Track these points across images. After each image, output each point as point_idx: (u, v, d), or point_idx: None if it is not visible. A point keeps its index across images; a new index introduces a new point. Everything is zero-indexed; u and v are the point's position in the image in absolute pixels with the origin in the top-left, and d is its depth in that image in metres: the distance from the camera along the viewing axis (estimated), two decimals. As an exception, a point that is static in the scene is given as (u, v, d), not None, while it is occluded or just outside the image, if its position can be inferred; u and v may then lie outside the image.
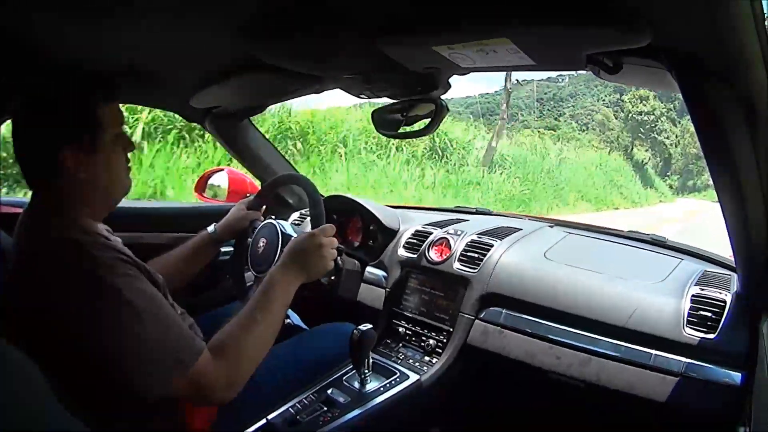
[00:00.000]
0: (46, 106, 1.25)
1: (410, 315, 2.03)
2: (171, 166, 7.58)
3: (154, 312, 1.17)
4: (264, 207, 1.99)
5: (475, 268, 1.92)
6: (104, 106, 1.30)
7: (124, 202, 1.43)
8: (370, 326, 1.62)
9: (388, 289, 2.13)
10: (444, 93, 1.63)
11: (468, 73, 1.42)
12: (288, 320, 2.19)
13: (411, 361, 1.89)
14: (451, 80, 1.58)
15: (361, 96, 1.73)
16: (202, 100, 1.94)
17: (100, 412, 1.17)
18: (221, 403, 1.29)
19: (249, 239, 1.86)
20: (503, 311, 1.80)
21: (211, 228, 1.87)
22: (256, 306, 1.38)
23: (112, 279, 1.13)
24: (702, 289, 1.59)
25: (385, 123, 1.80)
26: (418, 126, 1.72)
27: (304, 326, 2.23)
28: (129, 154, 1.39)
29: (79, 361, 1.14)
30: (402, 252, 2.18)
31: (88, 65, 1.44)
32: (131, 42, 1.37)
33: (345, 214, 2.40)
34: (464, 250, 2.00)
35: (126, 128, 1.36)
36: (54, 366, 1.05)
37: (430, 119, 1.66)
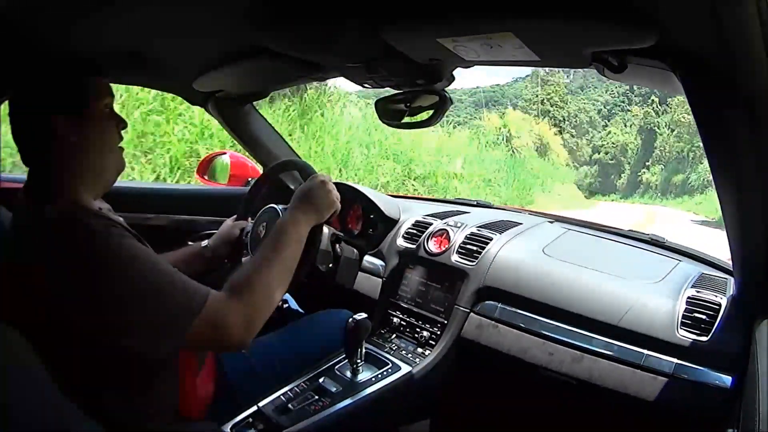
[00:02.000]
0: (38, 77, 1.27)
1: (406, 306, 2.02)
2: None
3: (155, 268, 1.17)
4: (248, 219, 1.97)
5: (473, 261, 1.92)
6: (94, 76, 1.32)
7: (127, 183, 1.43)
8: (364, 316, 1.62)
9: (385, 279, 2.13)
10: (448, 85, 1.63)
11: (472, 66, 1.42)
12: (286, 305, 2.20)
13: (404, 352, 1.88)
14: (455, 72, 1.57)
15: (365, 85, 1.72)
16: (204, 83, 1.95)
17: (99, 391, 1.18)
18: (240, 345, 1.26)
19: (244, 238, 1.84)
20: (498, 305, 1.80)
21: (204, 243, 1.85)
22: (270, 247, 1.38)
23: (109, 243, 1.13)
24: (698, 292, 1.59)
25: (389, 113, 1.79)
26: (421, 117, 1.72)
27: (301, 310, 2.24)
28: (122, 133, 1.40)
29: (83, 335, 1.14)
30: (401, 242, 2.17)
31: (89, 49, 1.44)
32: (133, 27, 1.38)
33: (345, 202, 2.38)
34: (463, 242, 2.00)
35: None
36: (54, 345, 1.06)
37: (433, 110, 1.66)
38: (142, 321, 1.14)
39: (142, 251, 1.18)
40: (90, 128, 1.29)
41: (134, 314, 1.13)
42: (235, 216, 1.96)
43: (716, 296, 1.56)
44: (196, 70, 1.81)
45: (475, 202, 2.67)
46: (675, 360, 1.48)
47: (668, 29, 0.94)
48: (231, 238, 1.86)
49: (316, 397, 1.61)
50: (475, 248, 1.95)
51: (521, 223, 2.15)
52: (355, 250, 2.07)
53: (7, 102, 1.28)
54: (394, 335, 1.99)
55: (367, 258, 2.20)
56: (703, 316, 1.51)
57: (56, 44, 1.39)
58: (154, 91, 6.14)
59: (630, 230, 2.23)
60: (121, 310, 1.12)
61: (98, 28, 1.34)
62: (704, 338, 1.47)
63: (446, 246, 2.01)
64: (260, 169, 2.59)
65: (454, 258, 1.96)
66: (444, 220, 2.15)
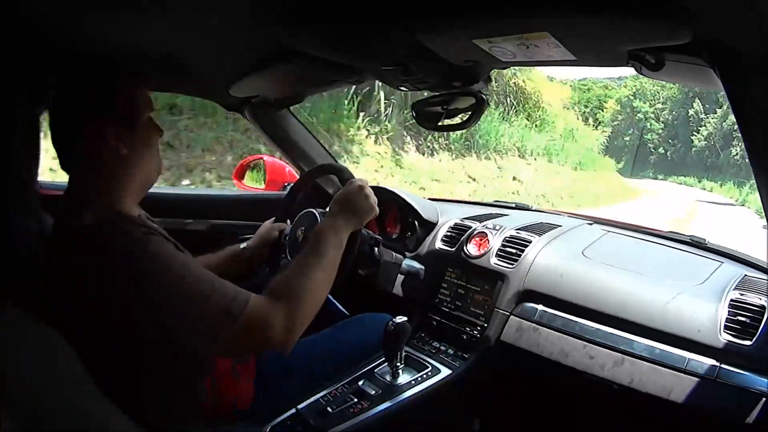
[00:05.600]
0: (87, 88, 1.29)
1: (445, 309, 2.01)
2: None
3: (195, 274, 1.19)
4: (288, 222, 1.97)
5: (512, 264, 1.90)
6: (138, 88, 1.35)
7: (166, 189, 1.44)
8: (404, 319, 1.62)
9: (424, 282, 2.11)
10: (485, 86, 1.61)
11: (508, 67, 1.41)
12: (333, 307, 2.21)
13: (444, 355, 1.88)
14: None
15: (401, 88, 1.72)
16: (240, 89, 1.95)
17: (138, 392, 1.20)
18: (283, 347, 1.26)
19: (283, 240, 1.85)
20: (539, 308, 1.78)
21: (243, 245, 1.86)
22: (310, 252, 1.39)
23: (148, 250, 1.15)
24: (741, 294, 1.56)
25: (426, 115, 1.79)
26: (458, 119, 1.71)
27: (344, 311, 2.25)
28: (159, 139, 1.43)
29: (123, 339, 1.16)
30: (440, 245, 2.17)
31: (125, 57, 1.46)
32: (167, 34, 1.39)
33: (383, 206, 2.38)
34: (502, 245, 1.98)
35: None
36: (93, 347, 1.08)
37: (471, 112, 1.65)
38: (182, 326, 1.15)
39: (181, 257, 1.20)
40: (138, 139, 1.32)
41: (174, 320, 1.15)
42: (273, 218, 1.97)
43: (761, 299, 1.52)
44: (232, 76, 1.82)
45: (513, 205, 2.65)
46: (718, 364, 1.45)
47: (705, 24, 0.91)
48: (270, 239, 1.87)
49: (355, 399, 1.61)
50: (514, 251, 1.94)
51: (560, 226, 2.13)
52: (394, 254, 2.07)
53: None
54: (435, 338, 1.99)
55: (407, 261, 2.18)
56: (747, 320, 1.48)
57: (92, 50, 1.41)
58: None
59: (670, 231, 2.20)
60: (161, 316, 1.14)
61: (129, 36, 1.36)
62: (748, 342, 1.44)
63: (485, 249, 2.00)
64: (297, 174, 2.60)
65: (494, 261, 1.95)
66: (483, 223, 2.14)
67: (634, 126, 51.66)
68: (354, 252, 1.62)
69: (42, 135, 1.37)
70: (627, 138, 49.71)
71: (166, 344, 1.19)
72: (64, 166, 1.30)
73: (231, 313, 1.17)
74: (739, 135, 1.02)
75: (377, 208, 1.59)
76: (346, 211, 1.51)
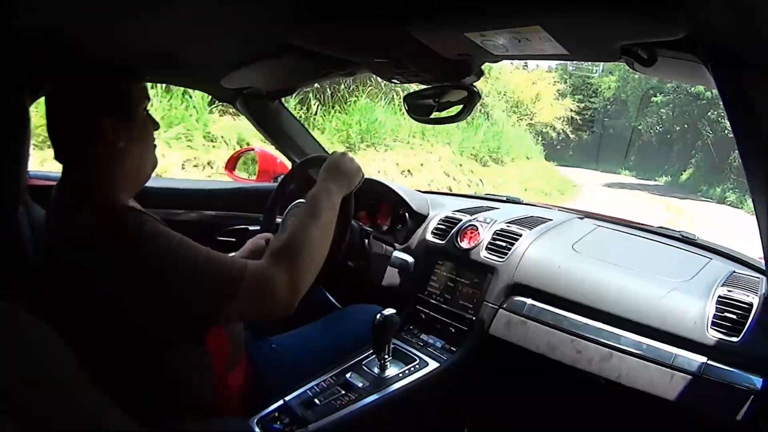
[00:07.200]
0: (84, 80, 1.30)
1: (434, 302, 2.01)
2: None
3: (191, 247, 1.20)
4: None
5: (502, 257, 1.90)
6: (134, 81, 1.35)
7: (156, 182, 1.45)
8: (393, 311, 1.61)
9: (414, 275, 2.12)
10: (477, 80, 1.62)
11: (500, 60, 1.41)
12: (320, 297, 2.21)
13: (432, 348, 1.87)
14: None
15: (393, 81, 1.72)
16: (233, 81, 1.95)
17: (135, 386, 1.21)
18: (288, 307, 1.27)
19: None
20: (527, 302, 1.79)
21: (231, 254, 1.83)
22: (306, 214, 1.40)
23: (145, 233, 1.17)
24: (729, 291, 1.57)
25: (418, 108, 1.79)
26: (450, 112, 1.71)
27: (335, 303, 2.25)
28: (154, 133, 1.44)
29: (124, 329, 1.18)
30: (430, 238, 2.17)
31: (120, 49, 1.45)
32: (163, 28, 1.39)
33: (375, 198, 2.39)
34: (492, 238, 1.98)
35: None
36: (90, 341, 1.08)
37: (462, 105, 1.65)
38: (186, 298, 1.17)
39: (176, 236, 1.21)
40: (134, 132, 1.33)
41: (178, 294, 1.16)
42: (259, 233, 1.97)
43: (748, 296, 1.53)
44: (226, 68, 1.83)
45: (504, 198, 2.65)
46: (705, 360, 1.46)
47: (698, 19, 0.92)
48: (258, 249, 1.87)
49: (343, 392, 1.61)
50: (504, 244, 1.94)
51: (551, 219, 2.13)
52: (384, 246, 2.06)
53: (42, 99, 1.31)
54: (423, 331, 1.99)
55: (396, 253, 2.19)
56: (734, 316, 1.49)
57: (92, 46, 1.41)
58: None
59: (660, 227, 2.21)
60: (163, 292, 1.16)
61: (132, 30, 1.36)
62: (735, 339, 1.45)
63: (476, 242, 2.00)
64: (288, 165, 2.61)
65: (484, 254, 1.95)
66: (473, 216, 2.14)
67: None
68: (350, 217, 1.65)
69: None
70: (658, 99, 28.04)
71: (167, 329, 1.21)
72: (59, 157, 1.30)
73: (232, 278, 1.19)
74: None
75: (363, 172, 1.62)
76: (335, 175, 1.53)
